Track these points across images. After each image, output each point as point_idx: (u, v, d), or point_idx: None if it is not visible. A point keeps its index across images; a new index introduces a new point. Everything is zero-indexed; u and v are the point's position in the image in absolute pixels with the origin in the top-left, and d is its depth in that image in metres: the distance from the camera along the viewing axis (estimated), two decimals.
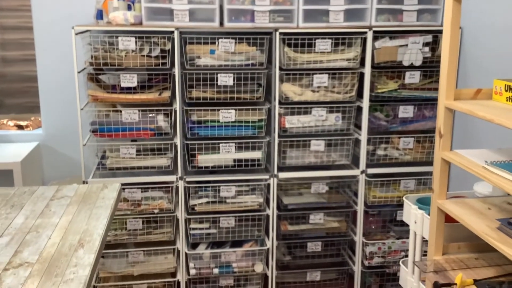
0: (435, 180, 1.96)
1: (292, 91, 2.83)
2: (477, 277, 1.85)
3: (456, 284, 1.81)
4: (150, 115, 2.79)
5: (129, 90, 2.75)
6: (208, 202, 2.91)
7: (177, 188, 2.87)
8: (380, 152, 2.98)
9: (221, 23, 2.78)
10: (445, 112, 1.88)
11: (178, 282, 2.99)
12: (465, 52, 2.78)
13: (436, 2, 2.87)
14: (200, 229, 2.94)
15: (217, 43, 2.72)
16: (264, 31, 2.75)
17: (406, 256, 2.46)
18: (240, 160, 2.89)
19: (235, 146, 2.86)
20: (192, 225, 2.93)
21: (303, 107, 2.86)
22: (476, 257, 2.00)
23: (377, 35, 2.79)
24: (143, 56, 2.71)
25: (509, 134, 2.32)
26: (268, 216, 2.96)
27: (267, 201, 2.97)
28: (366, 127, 2.90)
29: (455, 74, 1.89)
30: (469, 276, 1.85)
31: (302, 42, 2.78)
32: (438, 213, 1.96)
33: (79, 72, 2.70)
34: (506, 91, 1.81)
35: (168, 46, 2.72)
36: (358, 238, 3.04)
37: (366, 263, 3.05)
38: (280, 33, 2.72)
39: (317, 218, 3.01)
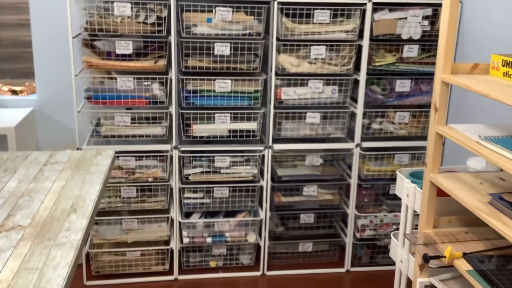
0: (428, 153, 1.96)
1: (289, 62, 2.81)
2: (466, 250, 1.87)
3: (445, 257, 1.83)
4: (145, 83, 2.77)
5: (124, 57, 2.72)
6: (202, 172, 2.92)
7: (171, 157, 2.87)
8: (375, 126, 2.97)
9: None
10: (441, 86, 1.88)
11: (172, 250, 3.01)
12: (464, 27, 2.75)
13: None
14: (194, 198, 2.96)
15: (214, 11, 2.69)
16: (262, 0, 2.71)
17: (397, 229, 2.48)
18: (235, 131, 2.88)
19: (231, 117, 2.85)
20: (186, 194, 2.94)
21: (300, 79, 2.84)
22: (466, 231, 2.02)
23: (377, 7, 2.75)
24: (139, 22, 2.67)
25: (504, 109, 2.32)
26: (262, 187, 2.97)
27: (261, 172, 2.98)
28: (362, 101, 2.89)
29: (453, 48, 1.88)
30: (458, 250, 1.87)
31: (300, 12, 2.74)
32: (430, 187, 1.98)
33: (73, 38, 2.66)
34: (503, 66, 1.80)
35: (164, 13, 2.69)
36: (351, 210, 3.06)
37: (357, 235, 3.08)
38: (279, 3, 2.68)
39: (310, 190, 3.03)
